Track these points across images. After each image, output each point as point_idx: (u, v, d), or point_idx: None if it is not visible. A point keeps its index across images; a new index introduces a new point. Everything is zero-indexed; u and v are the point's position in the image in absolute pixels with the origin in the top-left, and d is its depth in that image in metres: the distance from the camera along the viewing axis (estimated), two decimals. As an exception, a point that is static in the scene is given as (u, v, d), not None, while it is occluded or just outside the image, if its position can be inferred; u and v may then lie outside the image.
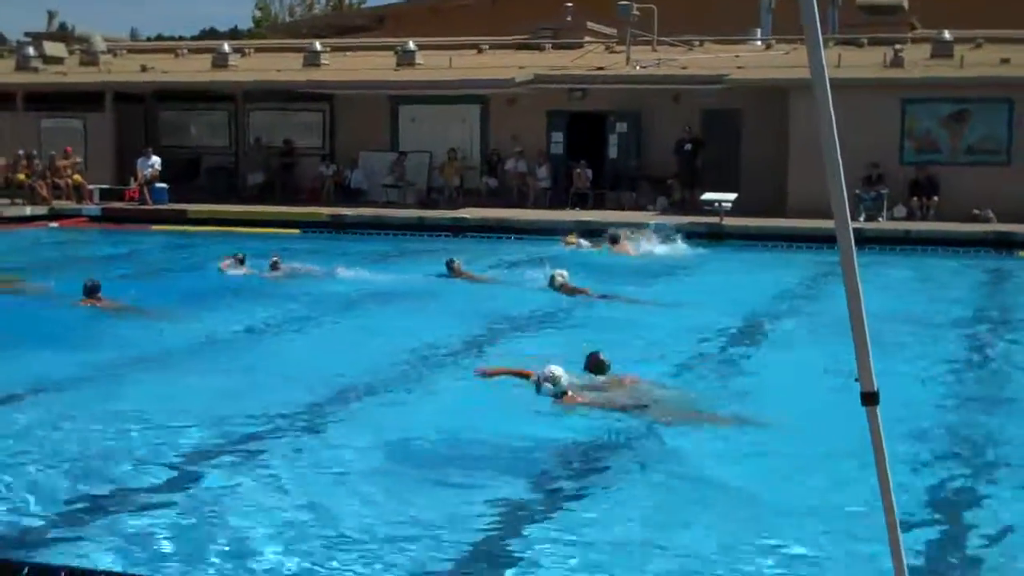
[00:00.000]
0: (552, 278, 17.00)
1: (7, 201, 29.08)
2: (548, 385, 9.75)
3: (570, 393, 9.77)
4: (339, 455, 8.89)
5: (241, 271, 18.78)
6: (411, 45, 33.03)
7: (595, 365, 10.43)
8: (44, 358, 12.21)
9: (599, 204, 28.98)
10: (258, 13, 64.82)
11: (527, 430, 9.35)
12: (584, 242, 23.41)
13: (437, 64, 32.16)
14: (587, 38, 34.46)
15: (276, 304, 16.24)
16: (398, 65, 32.65)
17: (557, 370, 9.78)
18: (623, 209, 28.43)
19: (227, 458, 8.87)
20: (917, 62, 28.21)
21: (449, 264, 18.88)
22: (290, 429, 9.65)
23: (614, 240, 22.66)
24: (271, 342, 13.97)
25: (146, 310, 15.27)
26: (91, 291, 15.37)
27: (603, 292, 16.92)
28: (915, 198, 26.24)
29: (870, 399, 3.93)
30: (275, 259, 18.94)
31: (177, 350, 13.04)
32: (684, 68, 29.80)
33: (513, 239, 24.93)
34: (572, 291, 16.82)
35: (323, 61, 33.66)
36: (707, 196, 25.99)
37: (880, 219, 25.68)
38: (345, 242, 25.25)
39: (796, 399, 10.42)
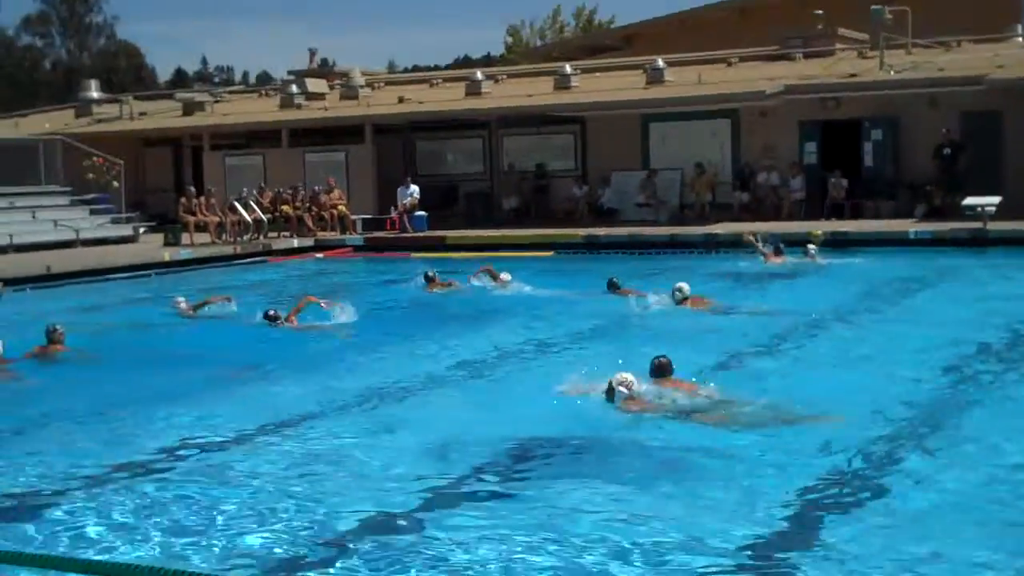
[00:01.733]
0: (674, 292, 16.82)
1: (275, 234, 30.58)
2: (622, 389, 10.04)
3: (635, 398, 10.06)
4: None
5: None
6: (660, 63, 33.26)
7: (658, 369, 10.67)
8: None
9: (856, 214, 28.55)
10: (509, 39, 66.12)
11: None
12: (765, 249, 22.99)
13: (686, 80, 32.29)
14: (839, 45, 33.99)
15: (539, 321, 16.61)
16: (648, 83, 32.93)
17: (627, 376, 10.11)
18: (881, 218, 27.93)
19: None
20: None
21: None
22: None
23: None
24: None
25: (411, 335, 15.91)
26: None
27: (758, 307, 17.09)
28: None
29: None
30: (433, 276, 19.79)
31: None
32: (941, 70, 29.10)
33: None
34: (696, 302, 16.76)
35: (573, 83, 34.22)
36: (969, 201, 25.27)
37: None
38: (599, 262, 25.59)
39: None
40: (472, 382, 12.84)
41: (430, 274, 20.91)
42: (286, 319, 16.43)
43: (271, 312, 16.46)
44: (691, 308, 16.55)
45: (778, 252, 22.68)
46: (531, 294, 19.57)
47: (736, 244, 24.35)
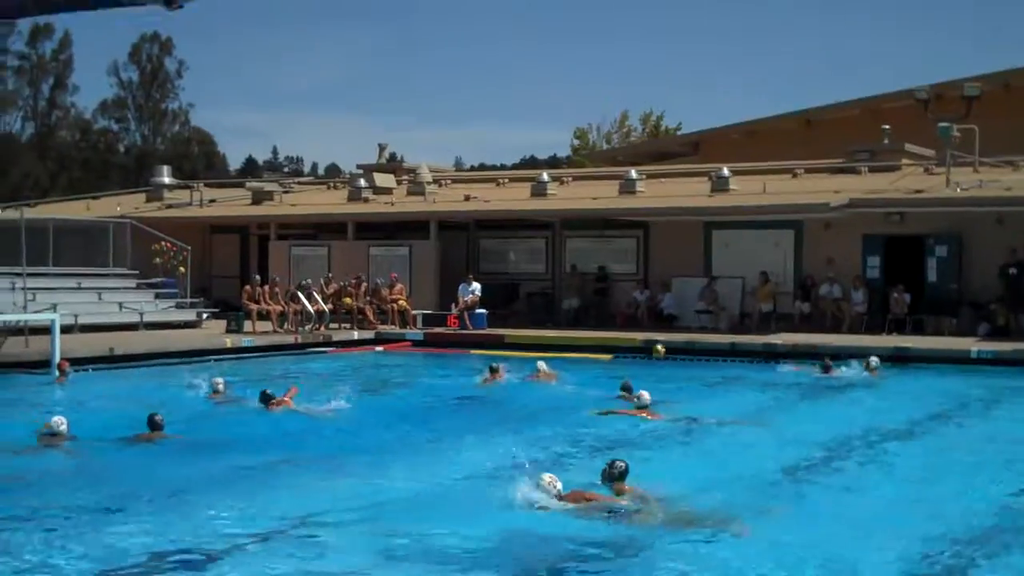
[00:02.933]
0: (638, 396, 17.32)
1: (336, 326, 30.87)
2: (547, 487, 10.65)
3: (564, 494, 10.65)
4: None
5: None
6: (725, 171, 33.47)
7: (609, 476, 11.01)
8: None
9: (917, 329, 28.43)
10: (576, 141, 66.83)
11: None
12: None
13: (751, 189, 32.45)
14: (905, 160, 34.08)
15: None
16: (712, 191, 33.11)
17: (547, 477, 10.73)
18: (942, 335, 27.80)
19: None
20: None
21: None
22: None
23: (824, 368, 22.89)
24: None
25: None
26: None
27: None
28: None
29: None
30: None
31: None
32: (1008, 189, 29.08)
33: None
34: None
35: (638, 188, 34.46)
36: (1033, 321, 25.13)
37: None
38: (656, 368, 25.62)
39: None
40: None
41: (494, 366, 21.99)
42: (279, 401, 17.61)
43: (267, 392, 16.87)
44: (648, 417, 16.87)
45: (827, 368, 23.00)
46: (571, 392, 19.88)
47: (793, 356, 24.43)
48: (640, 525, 10.25)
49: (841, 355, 24.06)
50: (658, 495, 10.99)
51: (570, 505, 10.52)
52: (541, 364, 22.48)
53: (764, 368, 24.80)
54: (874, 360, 23.16)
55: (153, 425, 15.05)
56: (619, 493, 10.82)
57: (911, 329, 28.47)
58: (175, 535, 10.11)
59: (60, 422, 14.81)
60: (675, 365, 25.93)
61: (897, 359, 24.84)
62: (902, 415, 18.12)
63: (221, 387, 19.44)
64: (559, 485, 10.62)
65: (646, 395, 17.28)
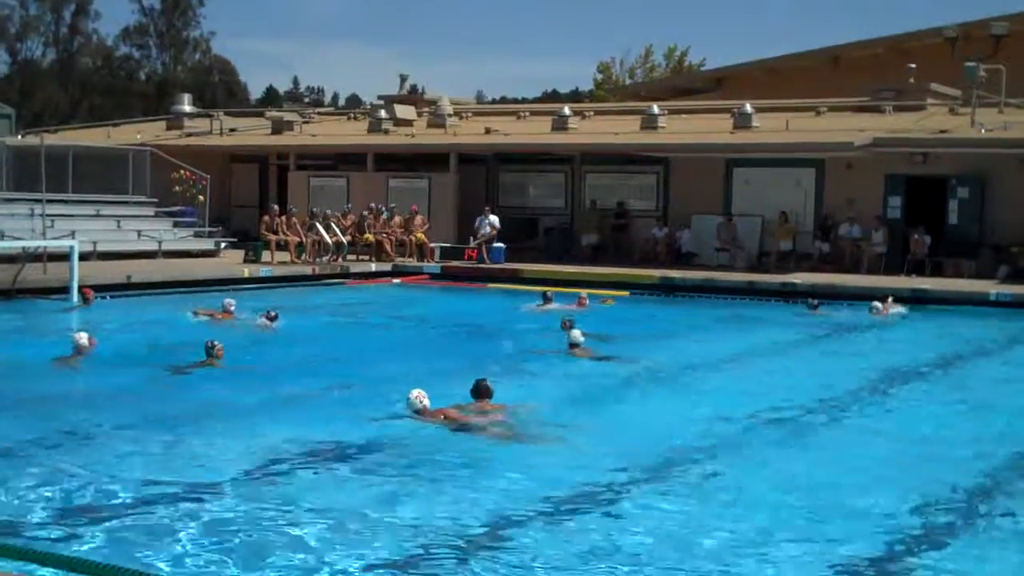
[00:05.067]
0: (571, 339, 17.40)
1: (354, 257, 31.00)
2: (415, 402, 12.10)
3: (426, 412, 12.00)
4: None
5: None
6: (748, 108, 33.32)
7: (475, 391, 12.48)
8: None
9: (936, 272, 28.41)
10: (599, 75, 66.45)
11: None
12: (896, 308, 23.36)
13: (774, 127, 32.31)
14: (930, 100, 33.85)
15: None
16: (734, 128, 32.99)
17: (414, 393, 12.09)
18: (962, 277, 27.77)
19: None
20: None
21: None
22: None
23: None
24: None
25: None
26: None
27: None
28: None
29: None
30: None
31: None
32: (1033, 131, 28.91)
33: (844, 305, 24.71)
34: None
35: (660, 124, 34.36)
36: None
37: None
38: (673, 305, 25.73)
39: None
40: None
41: (548, 294, 23.66)
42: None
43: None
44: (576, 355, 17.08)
45: (813, 307, 23.54)
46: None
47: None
48: (487, 439, 11.48)
49: (861, 296, 24.15)
50: (522, 417, 12.25)
51: (428, 419, 11.86)
52: (582, 292, 24.09)
53: (777, 307, 24.88)
54: (876, 304, 23.26)
55: (209, 353, 15.31)
56: (481, 411, 12.19)
57: (931, 271, 28.43)
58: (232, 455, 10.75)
59: (81, 336, 15.58)
60: (692, 303, 26.01)
61: (915, 300, 24.86)
62: (906, 357, 18.23)
63: (233, 307, 20.63)
64: (426, 401, 12.00)
65: (576, 333, 17.47)
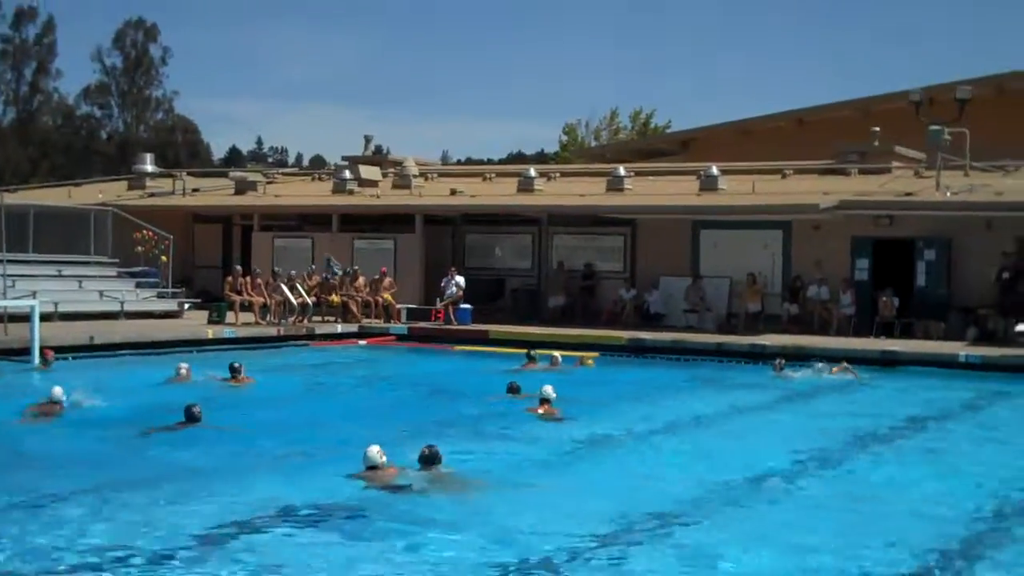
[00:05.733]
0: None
1: (319, 319, 30.84)
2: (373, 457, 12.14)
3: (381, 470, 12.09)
4: None
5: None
6: (714, 170, 33.50)
7: (423, 459, 12.44)
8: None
9: (906, 333, 28.49)
10: (565, 137, 66.78)
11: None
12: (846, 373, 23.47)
13: (740, 189, 32.50)
14: (895, 163, 34.15)
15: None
16: (701, 189, 33.16)
17: (373, 449, 12.13)
18: (931, 339, 27.87)
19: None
20: None
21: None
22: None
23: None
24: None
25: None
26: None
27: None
28: None
29: None
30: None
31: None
32: (999, 194, 29.16)
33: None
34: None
35: (626, 186, 34.51)
36: (1022, 327, 25.22)
37: None
38: (642, 367, 25.70)
39: None
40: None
41: (532, 354, 24.01)
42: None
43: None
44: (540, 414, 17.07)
45: (779, 368, 23.72)
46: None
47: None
48: (445, 500, 11.61)
49: (828, 358, 24.17)
50: (463, 482, 12.27)
51: (382, 478, 11.99)
52: (555, 354, 24.33)
53: (746, 369, 24.91)
54: (820, 365, 23.52)
55: (191, 417, 15.30)
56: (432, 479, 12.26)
57: (900, 332, 28.52)
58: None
59: (59, 393, 16.45)
60: (661, 365, 26.00)
61: (885, 363, 24.94)
62: (876, 419, 18.23)
63: (184, 371, 20.56)
64: (383, 459, 12.07)
65: (549, 389, 17.50)
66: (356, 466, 12.18)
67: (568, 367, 23.86)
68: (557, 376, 21.26)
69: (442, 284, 31.91)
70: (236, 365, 20.37)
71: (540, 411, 17.12)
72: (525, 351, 24.29)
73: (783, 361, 23.91)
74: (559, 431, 16.18)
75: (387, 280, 32.06)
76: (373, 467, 12.03)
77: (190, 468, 13.08)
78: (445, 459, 12.46)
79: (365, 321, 31.00)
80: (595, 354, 26.39)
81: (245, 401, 18.74)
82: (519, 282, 34.90)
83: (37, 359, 21.99)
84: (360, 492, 11.72)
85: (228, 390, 19.70)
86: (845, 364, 23.49)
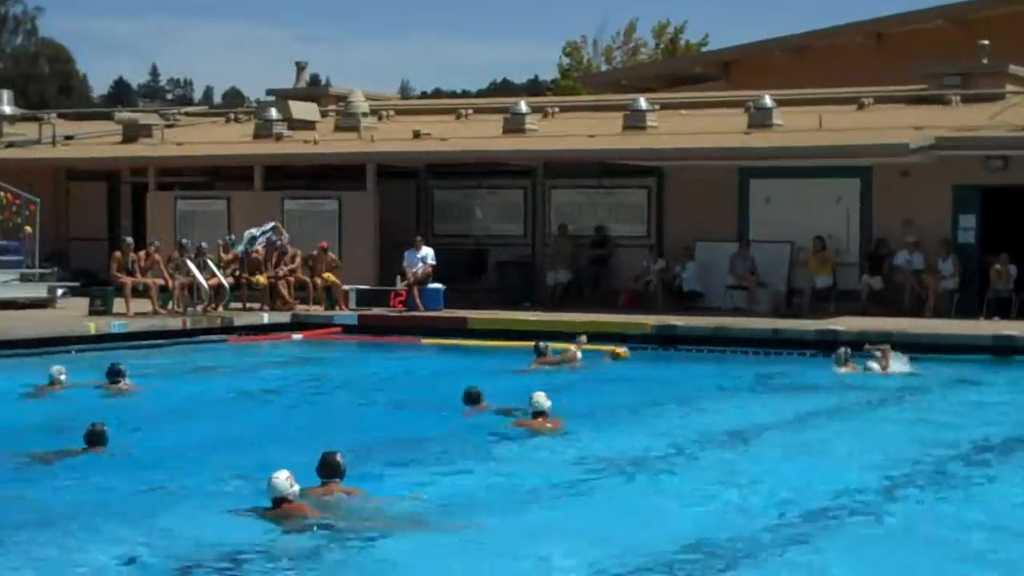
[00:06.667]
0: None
1: (239, 305, 30.76)
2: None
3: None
4: None
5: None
6: (767, 100, 33.40)
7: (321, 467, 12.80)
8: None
9: (1025, 312, 28.59)
10: (566, 60, 66.68)
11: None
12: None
13: (802, 124, 32.41)
14: (1009, 87, 34.12)
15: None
16: (750, 126, 33.07)
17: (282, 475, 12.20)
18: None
19: None
20: None
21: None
22: None
23: None
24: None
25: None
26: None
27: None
28: None
29: None
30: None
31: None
32: None
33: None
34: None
35: (650, 123, 34.37)
36: None
37: None
38: (672, 363, 25.67)
39: None
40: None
41: (542, 346, 24.22)
42: None
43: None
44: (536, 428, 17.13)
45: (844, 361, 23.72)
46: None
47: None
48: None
49: (927, 348, 24.27)
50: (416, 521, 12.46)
51: (294, 513, 12.09)
52: (571, 347, 24.58)
53: (813, 363, 24.92)
54: (841, 352, 23.71)
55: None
56: (326, 494, 12.65)
57: (1019, 312, 28.55)
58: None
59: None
60: (690, 360, 26.06)
61: (999, 351, 24.95)
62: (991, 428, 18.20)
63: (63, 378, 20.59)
64: (294, 488, 12.10)
65: (541, 396, 17.37)
66: (263, 499, 12.12)
67: (593, 363, 23.94)
68: (575, 376, 21.12)
69: (404, 259, 31.82)
70: (118, 366, 20.39)
71: (534, 424, 17.08)
72: (533, 344, 24.25)
73: (848, 351, 23.84)
74: (558, 449, 16.15)
75: (329, 255, 31.95)
76: (282, 500, 11.97)
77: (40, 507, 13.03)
78: (407, 489, 12.57)
79: (301, 308, 30.94)
80: (607, 347, 26.38)
81: (130, 415, 18.53)
82: (507, 253, 34.85)
83: None
84: (265, 536, 11.68)
85: (107, 400, 19.68)
86: (885, 348, 23.66)
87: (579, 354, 24.23)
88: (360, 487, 12.80)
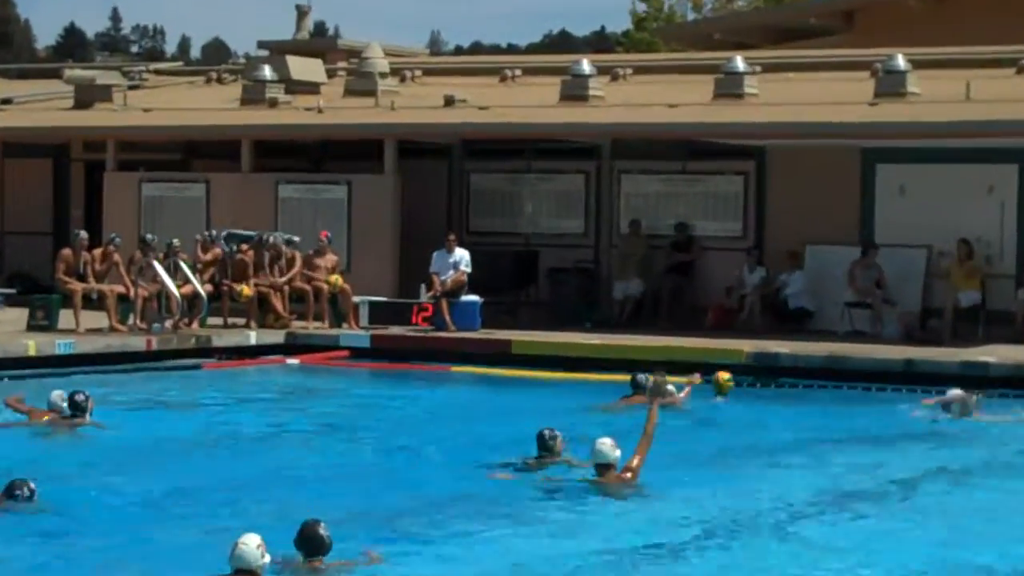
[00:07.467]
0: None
1: (220, 320, 30.88)
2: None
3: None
4: None
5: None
6: (900, 62, 33.32)
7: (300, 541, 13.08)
8: None
9: None
10: (641, 6, 66.77)
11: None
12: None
13: (943, 94, 32.34)
14: None
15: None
16: (876, 95, 33.02)
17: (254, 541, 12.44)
18: None
19: None
20: None
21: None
22: None
23: None
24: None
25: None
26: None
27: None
28: None
29: None
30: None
31: None
32: None
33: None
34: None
35: (748, 90, 34.37)
36: None
37: None
38: (775, 400, 25.67)
39: None
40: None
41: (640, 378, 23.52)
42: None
43: None
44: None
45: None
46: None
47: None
48: None
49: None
50: None
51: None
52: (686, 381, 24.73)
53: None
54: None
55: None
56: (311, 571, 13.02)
57: None
58: None
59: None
60: (795, 397, 26.09)
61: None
62: None
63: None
64: (265, 559, 12.29)
65: (607, 444, 17.35)
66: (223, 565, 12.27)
67: (703, 401, 24.23)
68: (673, 413, 21.26)
69: (432, 262, 31.89)
70: (80, 397, 20.52)
71: (601, 479, 17.11)
72: (630, 377, 23.93)
73: (976, 398, 23.75)
74: (631, 510, 16.23)
75: (329, 256, 31.98)
76: (247, 573, 12.12)
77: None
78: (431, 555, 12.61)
79: (297, 325, 31.04)
80: (695, 379, 26.45)
81: (86, 458, 18.73)
82: (563, 256, 34.90)
83: None
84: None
85: (62, 437, 19.98)
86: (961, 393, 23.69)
87: (690, 389, 24.32)
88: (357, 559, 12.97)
